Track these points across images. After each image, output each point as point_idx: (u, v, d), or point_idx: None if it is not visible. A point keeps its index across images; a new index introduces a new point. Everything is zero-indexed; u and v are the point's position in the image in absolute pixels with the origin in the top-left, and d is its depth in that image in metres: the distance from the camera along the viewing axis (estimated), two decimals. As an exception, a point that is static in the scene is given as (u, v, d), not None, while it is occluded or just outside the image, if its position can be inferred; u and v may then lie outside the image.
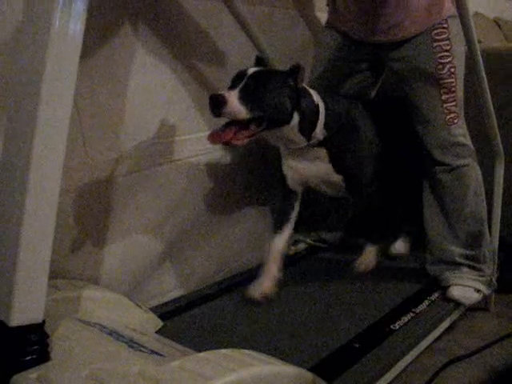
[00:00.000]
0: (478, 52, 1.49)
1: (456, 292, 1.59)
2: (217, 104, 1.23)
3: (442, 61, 1.49)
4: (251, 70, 1.33)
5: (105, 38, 1.29)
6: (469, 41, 1.47)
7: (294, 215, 1.62)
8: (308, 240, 2.02)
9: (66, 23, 0.87)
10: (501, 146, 1.70)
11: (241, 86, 1.28)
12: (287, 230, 1.60)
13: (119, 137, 1.36)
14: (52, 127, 0.88)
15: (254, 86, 1.29)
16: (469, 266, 1.63)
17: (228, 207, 1.73)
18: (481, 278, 1.63)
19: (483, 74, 1.54)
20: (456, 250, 1.63)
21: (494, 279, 1.68)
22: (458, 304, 1.60)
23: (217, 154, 1.64)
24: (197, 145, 1.57)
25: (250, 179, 1.80)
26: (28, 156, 0.86)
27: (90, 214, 1.33)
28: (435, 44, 1.49)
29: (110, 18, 1.29)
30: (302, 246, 2.01)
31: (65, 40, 0.87)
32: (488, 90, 1.57)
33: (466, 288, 1.61)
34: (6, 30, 1.07)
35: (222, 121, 1.65)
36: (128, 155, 1.38)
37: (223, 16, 1.57)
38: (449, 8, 1.50)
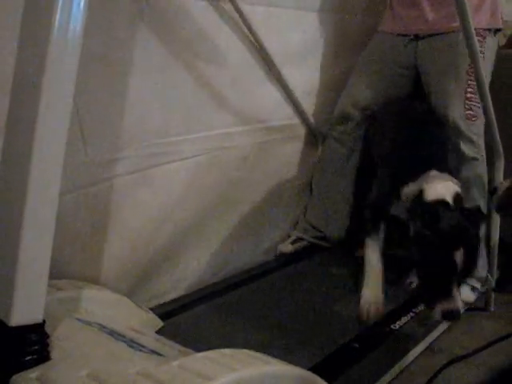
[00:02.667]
0: (478, 52, 1.49)
1: None
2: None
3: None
4: None
5: (105, 37, 1.29)
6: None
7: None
8: (308, 238, 2.00)
9: (65, 23, 0.87)
10: (501, 145, 1.70)
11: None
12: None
13: (119, 137, 1.36)
14: (52, 127, 0.88)
15: None
16: None
17: (228, 207, 1.73)
18: (475, 275, 1.65)
19: (483, 73, 1.54)
20: None
21: (489, 277, 1.70)
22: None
23: (216, 153, 1.64)
24: (197, 145, 1.57)
25: (250, 179, 1.80)
26: (28, 156, 0.86)
27: (90, 213, 1.33)
28: None
29: (110, 17, 1.29)
30: (301, 243, 1.99)
31: (65, 40, 0.87)
32: (488, 90, 1.57)
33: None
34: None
35: (221, 120, 1.65)
36: (128, 155, 1.38)
37: (223, 16, 1.57)
38: (487, 20, 1.69)
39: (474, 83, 1.62)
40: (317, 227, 2.00)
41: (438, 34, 1.74)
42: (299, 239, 1.99)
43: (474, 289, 1.65)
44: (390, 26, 1.90)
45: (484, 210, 1.70)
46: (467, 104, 1.65)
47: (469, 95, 1.65)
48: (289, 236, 2.00)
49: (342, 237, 2.01)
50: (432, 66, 1.76)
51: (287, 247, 1.96)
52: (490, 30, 1.73)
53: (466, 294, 1.62)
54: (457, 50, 1.66)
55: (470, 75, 1.64)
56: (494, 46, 1.76)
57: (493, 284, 1.73)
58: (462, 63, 1.66)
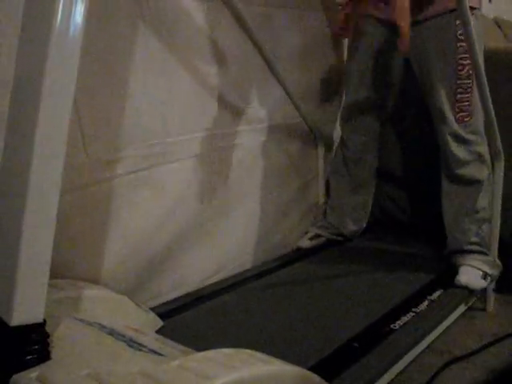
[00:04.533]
0: (477, 51, 1.49)
1: (464, 279, 1.63)
2: None
3: (463, 62, 1.55)
4: None
5: (105, 37, 1.29)
6: (468, 39, 1.47)
7: None
8: (326, 234, 2.05)
9: (66, 23, 0.87)
10: (500, 145, 1.70)
11: None
12: None
13: (119, 137, 1.36)
14: (52, 127, 0.88)
15: None
16: (474, 252, 1.70)
17: (227, 207, 1.73)
18: (485, 259, 1.68)
19: (483, 73, 1.53)
20: (463, 239, 1.71)
21: (497, 260, 1.72)
22: (457, 304, 1.60)
23: (216, 154, 1.65)
24: (196, 145, 1.57)
25: (249, 179, 1.80)
26: (28, 156, 0.86)
27: (90, 213, 1.33)
28: (458, 44, 1.55)
29: (111, 17, 1.30)
30: (319, 240, 2.03)
31: (65, 40, 0.87)
32: (488, 90, 1.56)
33: (473, 271, 1.65)
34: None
35: (221, 120, 1.65)
36: (128, 155, 1.38)
37: (223, 16, 1.57)
38: None
39: (464, 81, 1.58)
40: (335, 226, 2.05)
41: (423, 21, 1.61)
42: (317, 236, 2.04)
43: (485, 276, 1.66)
44: (371, 9, 1.74)
45: (488, 214, 1.71)
46: (457, 107, 1.61)
47: (458, 96, 1.60)
48: (306, 232, 2.05)
49: (358, 234, 2.09)
50: (420, 61, 1.68)
51: (305, 242, 2.01)
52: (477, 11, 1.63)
53: (477, 280, 1.64)
54: (443, 39, 1.59)
55: (460, 73, 1.58)
56: (480, 29, 1.63)
57: (500, 265, 1.73)
58: (449, 67, 1.59)
